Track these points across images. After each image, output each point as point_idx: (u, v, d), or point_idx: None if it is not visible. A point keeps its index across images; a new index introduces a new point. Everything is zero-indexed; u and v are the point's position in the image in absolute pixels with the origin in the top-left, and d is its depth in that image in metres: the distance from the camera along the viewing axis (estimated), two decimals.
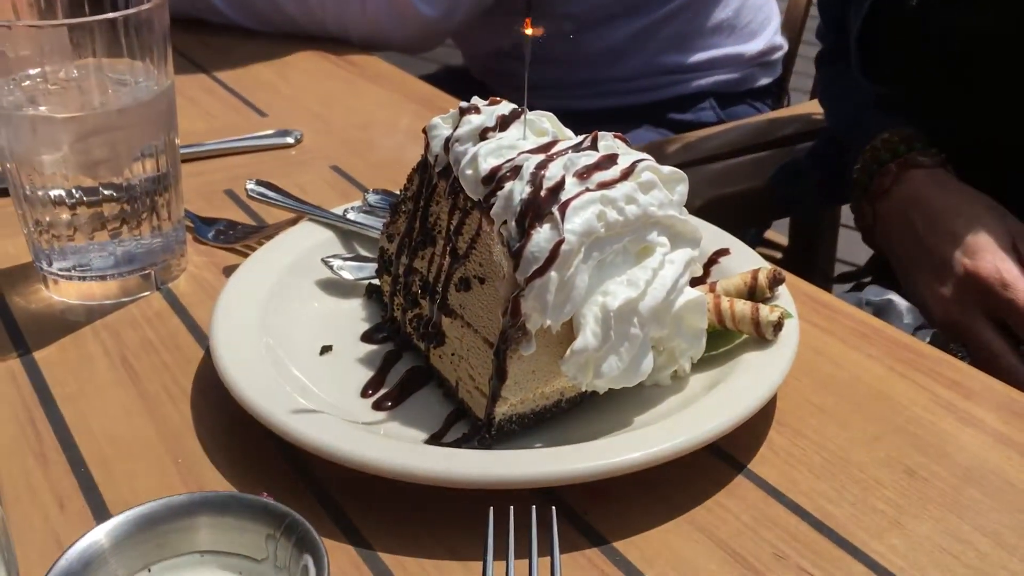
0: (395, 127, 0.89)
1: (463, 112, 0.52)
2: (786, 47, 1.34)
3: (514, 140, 0.50)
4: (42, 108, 0.57)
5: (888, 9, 0.87)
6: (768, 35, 1.31)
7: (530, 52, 0.48)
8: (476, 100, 0.54)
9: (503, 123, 0.51)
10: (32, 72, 0.59)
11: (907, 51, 0.87)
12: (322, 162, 0.80)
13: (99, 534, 0.35)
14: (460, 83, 1.42)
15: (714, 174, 1.05)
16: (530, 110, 0.51)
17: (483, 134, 0.51)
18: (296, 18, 1.05)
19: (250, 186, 0.67)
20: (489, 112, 0.52)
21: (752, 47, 1.29)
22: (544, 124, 0.52)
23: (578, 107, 1.26)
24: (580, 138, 0.51)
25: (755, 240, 1.31)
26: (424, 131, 0.54)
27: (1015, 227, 0.74)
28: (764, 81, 1.32)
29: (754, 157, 1.10)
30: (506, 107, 0.53)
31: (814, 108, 1.20)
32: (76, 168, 0.58)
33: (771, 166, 1.07)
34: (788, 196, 1.03)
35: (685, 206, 0.52)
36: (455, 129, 0.52)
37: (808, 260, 1.28)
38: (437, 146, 0.53)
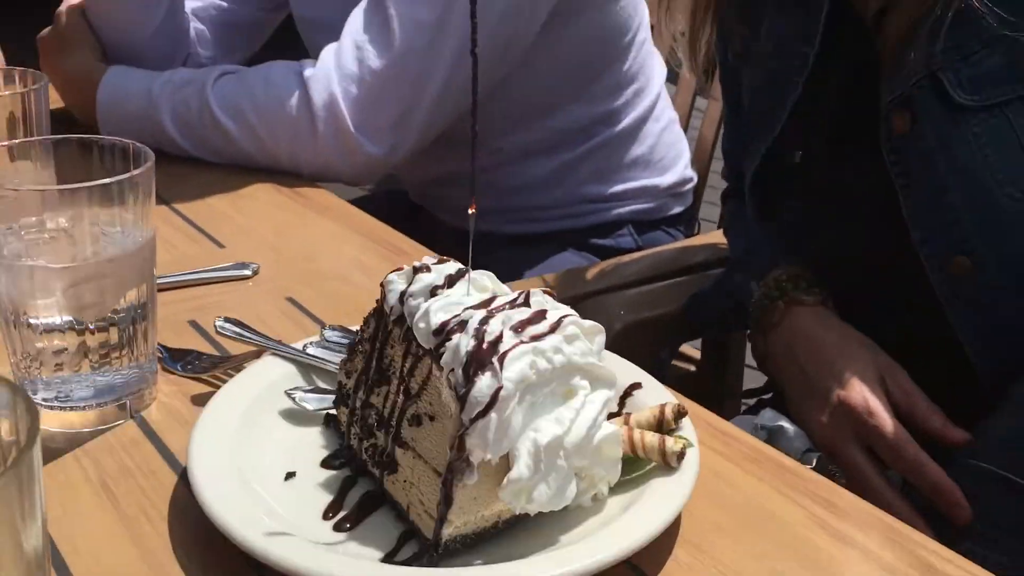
0: (342, 258, 0.98)
1: (416, 271, 0.61)
2: (696, 179, 1.48)
3: (460, 297, 0.59)
4: (40, 260, 0.64)
5: (777, 161, 1.00)
6: (680, 169, 1.44)
7: (473, 227, 0.58)
8: (427, 259, 0.63)
9: (450, 281, 0.60)
10: (31, 220, 0.66)
11: (794, 199, 1.00)
12: (278, 293, 0.88)
13: None
14: (399, 204, 1.52)
15: (632, 300, 1.16)
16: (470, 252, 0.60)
17: (433, 291, 0.60)
18: (251, 153, 1.14)
19: (219, 323, 0.74)
20: (439, 271, 0.61)
21: (665, 180, 1.42)
22: (485, 282, 0.61)
23: (508, 231, 1.37)
24: (515, 294, 0.60)
25: (671, 354, 1.42)
26: (381, 285, 0.63)
27: (883, 362, 0.86)
28: (677, 210, 1.45)
29: (669, 283, 1.21)
30: (453, 267, 0.62)
31: (721, 237, 1.33)
32: (67, 311, 0.65)
33: (684, 292, 1.18)
34: (698, 323, 1.14)
35: (606, 331, 0.61)
36: (409, 285, 0.61)
37: (718, 373, 1.39)
38: (393, 298, 0.61)
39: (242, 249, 0.97)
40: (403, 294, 0.61)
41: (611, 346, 1.07)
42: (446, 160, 1.29)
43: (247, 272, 0.91)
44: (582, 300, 1.15)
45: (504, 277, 1.26)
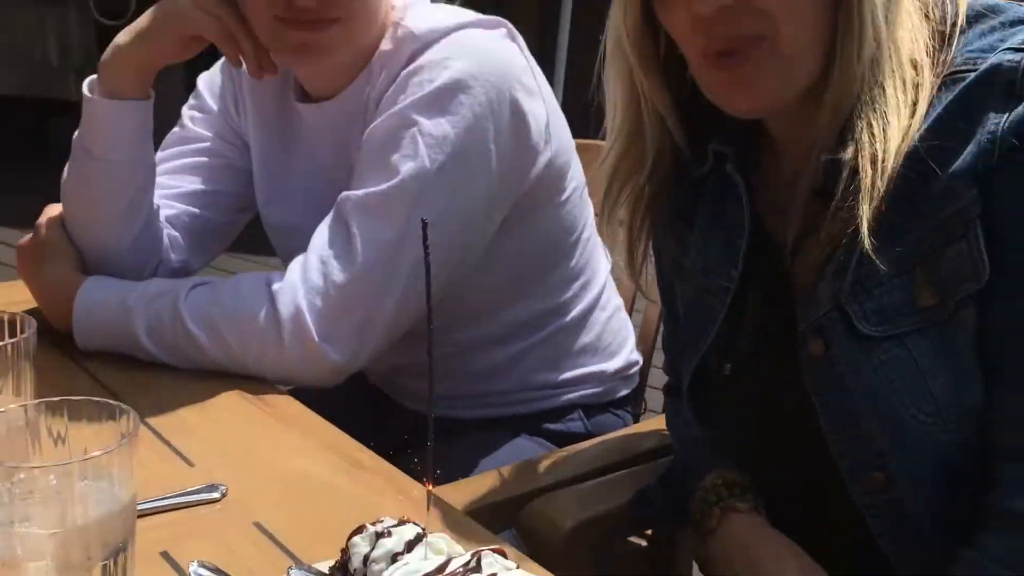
0: (309, 476, 1.03)
1: (378, 536, 0.68)
2: (641, 361, 1.57)
3: (418, 563, 0.66)
4: (33, 527, 0.70)
5: (709, 370, 1.09)
6: (625, 353, 1.53)
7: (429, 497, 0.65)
8: (387, 521, 0.69)
9: (409, 547, 0.67)
10: (21, 476, 0.72)
11: (726, 407, 1.08)
12: (246, 518, 0.93)
13: None
14: (359, 387, 1.59)
15: (583, 494, 1.22)
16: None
17: (394, 557, 0.66)
18: (221, 361, 1.21)
19: (193, 568, 0.80)
20: (399, 535, 0.68)
21: (612, 365, 1.51)
22: (441, 545, 0.68)
23: (464, 416, 1.44)
24: (468, 556, 0.67)
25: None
26: (346, 546, 0.69)
27: (812, 571, 0.93)
28: (624, 392, 1.53)
29: (618, 476, 1.27)
30: (411, 531, 0.69)
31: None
32: (54, 570, 0.70)
33: (633, 484, 1.25)
34: (644, 520, 1.21)
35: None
36: (371, 549, 0.67)
37: (668, 555, 1.44)
38: (357, 560, 0.68)
39: (211, 466, 1.02)
40: (366, 558, 0.67)
41: (564, 543, 1.14)
42: (405, 352, 1.36)
43: (216, 495, 0.96)
44: (537, 495, 1.21)
45: (462, 466, 1.33)
